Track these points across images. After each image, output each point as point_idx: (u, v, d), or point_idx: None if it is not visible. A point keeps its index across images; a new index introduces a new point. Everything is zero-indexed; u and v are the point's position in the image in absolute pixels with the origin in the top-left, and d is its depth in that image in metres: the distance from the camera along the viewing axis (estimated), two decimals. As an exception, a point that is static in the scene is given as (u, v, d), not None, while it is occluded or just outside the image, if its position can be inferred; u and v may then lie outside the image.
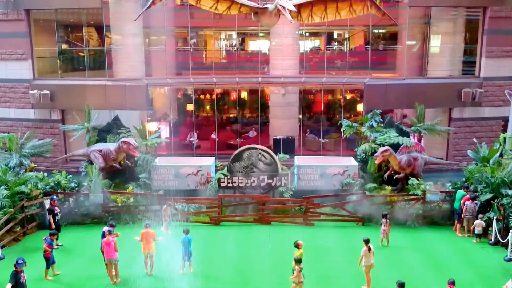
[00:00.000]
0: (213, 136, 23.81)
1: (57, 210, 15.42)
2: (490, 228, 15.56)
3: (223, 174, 18.21)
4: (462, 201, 16.07)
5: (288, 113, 23.63)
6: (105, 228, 13.05)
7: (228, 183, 18.21)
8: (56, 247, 14.83)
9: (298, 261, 11.46)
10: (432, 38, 23.11)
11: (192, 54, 24.91)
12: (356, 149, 19.67)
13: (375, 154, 17.60)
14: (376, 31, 25.20)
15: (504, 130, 21.10)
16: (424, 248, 15.04)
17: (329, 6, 15.47)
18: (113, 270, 12.70)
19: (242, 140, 23.66)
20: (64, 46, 24.46)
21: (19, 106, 23.08)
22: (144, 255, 13.11)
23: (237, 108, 23.92)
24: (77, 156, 20.22)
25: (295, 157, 20.28)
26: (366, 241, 12.20)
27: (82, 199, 17.14)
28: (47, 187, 17.30)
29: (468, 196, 16.07)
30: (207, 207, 17.76)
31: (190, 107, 24.66)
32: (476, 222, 15.51)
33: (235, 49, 26.99)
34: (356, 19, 17.40)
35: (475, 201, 15.92)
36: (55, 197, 15.98)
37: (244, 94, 26.72)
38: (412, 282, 12.25)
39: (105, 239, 12.65)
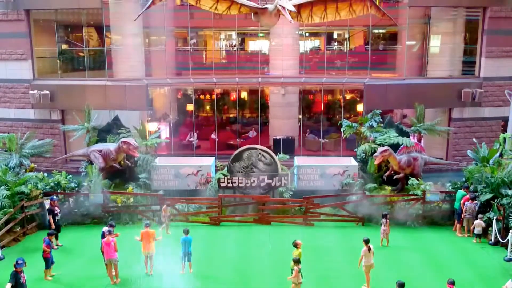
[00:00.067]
0: (213, 136, 23.81)
1: (57, 210, 15.41)
2: (490, 228, 15.56)
3: (223, 174, 18.21)
4: (462, 201, 16.07)
5: (288, 113, 23.63)
6: (105, 228, 13.05)
7: (228, 183, 18.21)
8: (56, 247, 14.88)
9: (297, 261, 11.47)
10: (432, 38, 23.12)
11: (192, 54, 24.92)
12: (356, 149, 19.68)
13: (375, 154, 17.60)
14: (376, 31, 25.20)
15: (504, 130, 21.10)
16: (424, 248, 15.05)
17: (329, 7, 15.48)
18: (113, 270, 12.70)
19: (242, 140, 23.67)
20: (64, 46, 24.46)
21: (19, 106, 23.09)
22: (144, 255, 13.11)
23: (237, 108, 23.93)
24: (77, 156, 20.23)
25: (295, 157, 20.28)
26: (366, 241, 12.21)
27: (82, 199, 17.15)
28: (47, 187, 17.31)
29: (468, 196, 16.07)
30: (207, 207, 17.75)
31: (190, 107, 24.66)
32: (476, 222, 15.51)
33: (235, 49, 26.99)
34: (356, 19, 17.40)
35: (475, 201, 15.92)
36: (55, 197, 15.98)
37: (244, 94, 26.73)
38: (412, 282, 12.25)
39: (105, 239, 12.65)
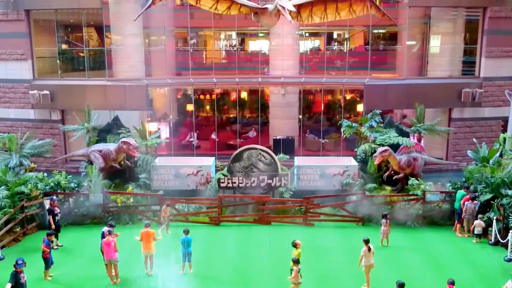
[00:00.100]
0: (213, 136, 23.81)
1: (57, 210, 15.40)
2: (490, 228, 15.56)
3: (223, 174, 18.21)
4: (462, 202, 16.07)
5: (288, 113, 23.63)
6: (105, 229, 13.05)
7: (228, 183, 18.21)
8: (56, 247, 14.89)
9: (296, 261, 11.47)
10: (432, 38, 23.12)
11: (192, 54, 24.91)
12: (356, 149, 19.68)
13: (374, 154, 17.59)
14: (376, 31, 25.20)
15: (504, 130, 21.10)
16: (424, 248, 15.05)
17: (329, 7, 15.48)
18: (113, 270, 12.69)
19: (242, 140, 23.67)
20: (64, 46, 24.46)
21: (19, 106, 23.09)
22: (144, 255, 13.11)
23: (237, 108, 23.92)
24: (77, 156, 20.23)
25: (295, 157, 20.28)
26: (366, 241, 12.21)
27: (82, 199, 17.14)
28: (47, 187, 17.31)
29: (468, 196, 16.07)
30: (207, 208, 17.75)
31: (190, 107, 24.66)
32: (476, 222, 15.51)
33: (235, 49, 26.98)
34: (356, 19, 17.39)
35: (475, 201, 15.92)
36: (55, 197, 15.97)
37: (244, 94, 26.72)
38: (412, 282, 12.25)
39: (105, 239, 12.64)
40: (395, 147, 18.04)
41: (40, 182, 17.36)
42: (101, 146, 18.74)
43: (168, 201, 16.63)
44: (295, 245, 12.02)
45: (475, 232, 15.52)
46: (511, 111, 19.94)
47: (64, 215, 16.29)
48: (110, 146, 18.46)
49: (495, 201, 15.84)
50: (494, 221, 15.08)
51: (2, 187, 15.90)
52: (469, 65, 22.97)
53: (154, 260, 13.19)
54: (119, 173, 18.81)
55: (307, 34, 26.11)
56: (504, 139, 18.36)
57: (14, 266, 10.89)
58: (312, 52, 26.21)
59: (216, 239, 15.87)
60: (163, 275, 13.13)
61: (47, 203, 16.06)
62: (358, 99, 25.02)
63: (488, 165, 17.37)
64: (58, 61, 23.61)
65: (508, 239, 14.09)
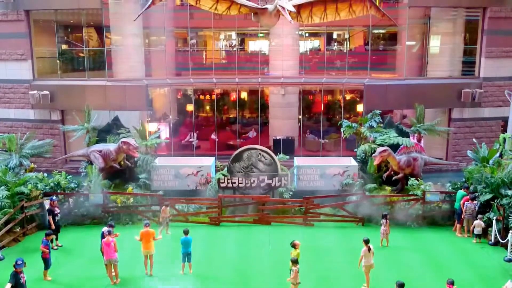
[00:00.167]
0: (213, 136, 23.82)
1: (57, 210, 15.38)
2: (490, 229, 15.56)
3: (223, 175, 18.21)
4: (461, 202, 16.07)
5: (288, 113, 23.64)
6: (105, 229, 13.04)
7: (228, 183, 18.21)
8: (56, 247, 14.89)
9: (295, 261, 11.47)
10: (431, 38, 23.12)
11: (192, 55, 24.91)
12: (356, 150, 19.68)
13: (374, 155, 17.59)
14: (375, 31, 25.20)
15: (504, 130, 21.11)
16: (424, 249, 15.05)
17: (329, 7, 15.49)
18: (113, 270, 12.69)
19: (242, 140, 23.67)
20: (64, 46, 24.46)
21: (19, 106, 23.09)
22: (143, 254, 13.11)
23: (237, 108, 23.92)
24: (77, 156, 20.23)
25: (295, 157, 20.29)
26: (366, 241, 12.20)
27: (82, 199, 17.14)
28: (47, 187, 17.30)
29: (467, 196, 16.07)
30: (207, 208, 17.74)
31: (190, 107, 24.66)
32: (476, 222, 15.50)
33: (235, 49, 26.98)
34: (355, 19, 17.41)
35: (475, 202, 15.92)
36: (54, 197, 15.96)
37: (244, 95, 26.72)
38: (412, 282, 12.25)
39: (104, 239, 12.64)
40: (395, 147, 18.04)
41: (40, 182, 17.36)
42: (101, 146, 18.73)
43: (168, 201, 16.60)
44: (294, 246, 12.01)
45: (475, 232, 15.52)
46: (511, 111, 19.95)
47: (64, 215, 16.28)
48: (110, 146, 18.45)
49: (495, 201, 15.84)
50: (494, 221, 15.08)
51: (2, 187, 15.89)
52: (469, 65, 22.98)
53: (154, 260, 13.19)
54: (119, 173, 18.81)
55: (307, 34, 26.11)
56: (504, 139, 18.37)
57: (14, 266, 10.89)
58: (312, 52, 26.21)
59: (216, 239, 15.87)
60: (163, 275, 13.14)
61: (47, 203, 16.05)
62: (358, 99, 25.03)
63: (488, 165, 17.37)
64: (58, 61, 23.61)
65: (508, 239, 14.09)
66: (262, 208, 17.31)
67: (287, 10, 14.53)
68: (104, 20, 22.03)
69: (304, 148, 23.94)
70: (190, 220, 17.18)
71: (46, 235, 13.15)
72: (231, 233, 16.44)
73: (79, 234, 16.25)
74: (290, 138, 23.06)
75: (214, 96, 25.10)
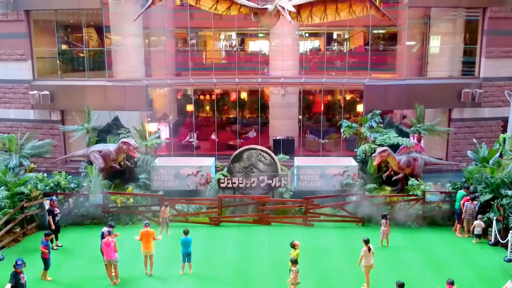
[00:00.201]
0: (213, 136, 23.81)
1: (57, 210, 15.37)
2: (490, 229, 15.56)
3: (223, 175, 18.20)
4: (461, 202, 16.07)
5: (288, 113, 23.64)
6: (105, 229, 13.04)
7: (228, 183, 18.21)
8: (56, 247, 14.89)
9: (295, 262, 11.46)
10: (431, 38, 23.12)
11: (192, 55, 24.91)
12: (356, 150, 19.68)
13: (373, 155, 17.59)
14: (375, 31, 25.20)
15: (504, 130, 21.11)
16: (424, 249, 15.05)
17: (329, 7, 15.48)
18: (113, 270, 12.69)
19: (242, 140, 23.66)
20: (64, 46, 24.46)
21: (18, 106, 23.09)
22: (143, 254, 13.11)
23: (237, 108, 23.92)
24: (76, 156, 20.23)
25: (295, 157, 20.29)
26: (366, 241, 12.21)
27: (81, 199, 17.13)
28: (46, 187, 17.30)
29: (468, 197, 16.06)
30: (207, 208, 17.74)
31: (190, 107, 24.66)
32: (476, 222, 15.50)
33: (234, 49, 26.99)
34: (355, 19, 17.39)
35: (475, 202, 15.92)
36: (54, 197, 15.95)
37: (244, 95, 26.73)
38: (411, 282, 12.26)
39: (104, 239, 12.64)
40: (395, 147, 18.04)
41: (40, 183, 17.36)
42: (101, 146, 18.73)
43: (167, 202, 16.57)
44: (293, 246, 12.01)
45: (475, 232, 15.51)
46: (511, 111, 19.95)
47: (64, 216, 16.28)
48: (110, 147, 18.45)
49: (495, 201, 15.84)
50: (494, 222, 15.08)
51: (2, 187, 15.89)
52: (469, 65, 22.98)
53: (154, 261, 13.19)
54: (119, 174, 18.81)
55: (307, 35, 26.12)
56: (504, 139, 18.37)
57: (14, 266, 10.89)
58: (312, 52, 26.21)
59: (216, 240, 15.86)
60: (163, 275, 13.13)
61: (47, 204, 16.05)
62: (358, 99, 25.03)
63: (488, 165, 17.37)
64: (58, 61, 23.61)
65: (508, 240, 14.09)
66: (262, 208, 17.31)
67: (287, 10, 14.53)
68: (104, 20, 22.03)
69: (304, 148, 23.94)
70: (190, 220, 17.18)
71: (45, 235, 13.14)
72: (231, 233, 16.44)
73: (79, 234, 16.24)
74: (290, 138, 23.06)
75: (214, 96, 25.10)
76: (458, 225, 16.27)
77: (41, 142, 20.06)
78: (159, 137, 20.49)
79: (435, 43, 23.20)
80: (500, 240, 14.94)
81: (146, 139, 19.72)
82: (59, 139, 22.69)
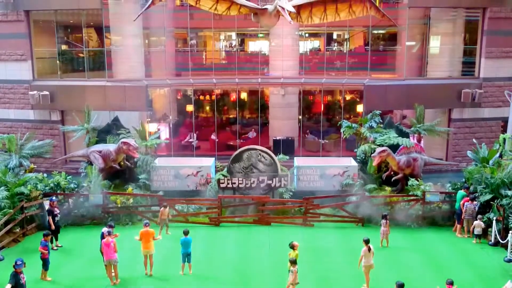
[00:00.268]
0: (213, 137, 23.81)
1: (57, 211, 15.37)
2: (490, 229, 15.56)
3: (223, 175, 18.20)
4: (461, 202, 16.07)
5: (287, 114, 23.63)
6: (104, 229, 13.03)
7: (228, 184, 18.21)
8: (55, 248, 14.88)
9: (294, 262, 11.45)
10: (431, 39, 23.13)
11: (192, 55, 24.91)
12: (355, 150, 19.68)
13: (373, 155, 17.59)
14: (375, 32, 25.21)
15: (504, 130, 21.11)
16: (424, 249, 15.05)
17: (329, 7, 15.49)
18: (113, 271, 12.69)
19: (241, 141, 23.66)
20: (63, 47, 24.46)
21: (18, 107, 23.09)
22: (143, 254, 13.11)
23: (237, 109, 23.92)
24: (76, 157, 20.24)
25: (295, 158, 20.29)
26: (366, 241, 12.20)
27: (81, 200, 17.13)
28: (46, 188, 17.30)
29: (468, 197, 16.06)
30: (206, 208, 17.74)
31: (190, 108, 24.65)
32: (475, 222, 15.50)
33: (234, 50, 26.99)
34: (355, 20, 17.40)
35: (475, 202, 15.92)
36: (54, 198, 15.94)
37: (243, 95, 26.72)
38: (411, 282, 12.26)
39: (104, 240, 12.64)
40: (394, 147, 18.04)
41: (40, 183, 17.36)
42: (100, 146, 18.73)
43: (166, 202, 16.52)
44: (292, 247, 12.00)
45: (475, 232, 15.51)
46: (511, 111, 19.95)
47: (63, 216, 16.27)
48: (109, 147, 18.45)
49: (495, 201, 15.84)
50: (494, 222, 15.08)
51: (2, 187, 15.88)
52: (468, 65, 22.98)
53: (154, 261, 13.19)
54: (119, 174, 18.81)
55: (306, 35, 26.12)
56: (504, 139, 18.37)
57: (14, 266, 10.88)
58: (312, 52, 26.21)
59: (216, 240, 15.86)
60: (162, 275, 13.13)
61: (46, 204, 16.04)
62: (358, 99, 25.03)
63: (488, 165, 17.37)
64: (58, 61, 23.61)
65: (508, 240, 14.09)
66: (262, 209, 17.31)
67: (287, 10, 14.53)
68: (104, 21, 22.03)
69: (304, 149, 23.94)
70: (190, 221, 17.17)
71: (44, 235, 13.13)
72: (231, 233, 16.44)
73: (79, 235, 16.24)
74: (290, 138, 23.06)
75: (214, 97, 25.09)
76: (458, 226, 16.27)
77: (41, 143, 20.06)
78: (159, 138, 20.49)
79: (435, 44, 23.20)
80: (500, 240, 14.94)
81: (146, 139, 19.72)
82: (59, 139, 22.69)
